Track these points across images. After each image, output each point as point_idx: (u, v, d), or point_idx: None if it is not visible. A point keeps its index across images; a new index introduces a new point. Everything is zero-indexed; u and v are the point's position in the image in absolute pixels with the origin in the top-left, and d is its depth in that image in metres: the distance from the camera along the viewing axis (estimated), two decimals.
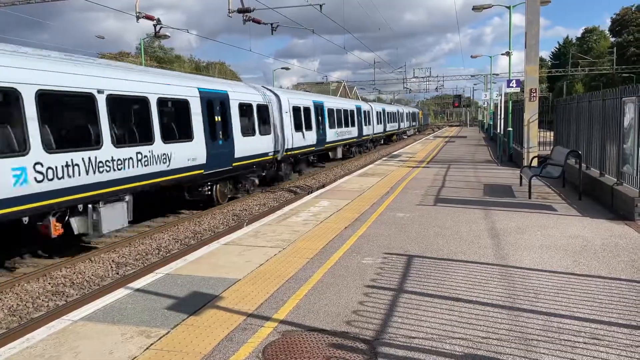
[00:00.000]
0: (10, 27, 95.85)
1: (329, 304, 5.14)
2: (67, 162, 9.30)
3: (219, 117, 15.03)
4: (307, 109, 23.45)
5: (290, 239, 8.03)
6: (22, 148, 8.49)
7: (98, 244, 11.36)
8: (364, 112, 35.92)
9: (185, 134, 13.20)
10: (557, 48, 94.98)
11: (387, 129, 45.45)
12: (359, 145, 34.96)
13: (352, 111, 32.11)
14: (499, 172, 16.95)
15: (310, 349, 4.16)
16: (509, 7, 21.90)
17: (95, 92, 10.21)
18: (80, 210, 9.90)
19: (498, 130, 27.49)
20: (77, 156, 9.56)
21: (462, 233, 8.05)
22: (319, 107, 25.38)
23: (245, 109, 16.84)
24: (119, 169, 10.61)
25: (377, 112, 41.03)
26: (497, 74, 62.12)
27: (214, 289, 5.71)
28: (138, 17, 21.18)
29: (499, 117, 27.61)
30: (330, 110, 27.38)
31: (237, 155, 15.77)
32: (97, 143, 10.13)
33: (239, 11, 20.11)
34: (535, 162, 14.71)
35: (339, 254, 7.03)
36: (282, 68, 52.18)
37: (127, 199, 11.07)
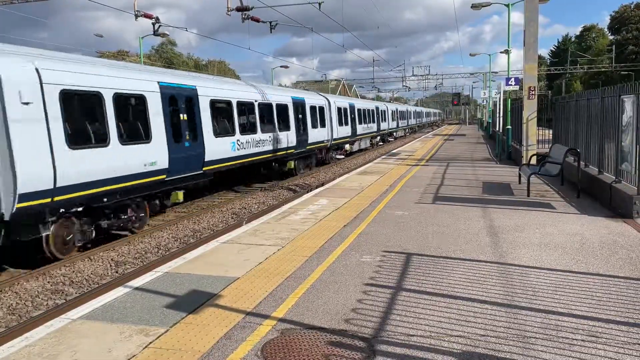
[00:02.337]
0: (8, 26, 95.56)
1: (328, 302, 5.15)
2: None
3: (300, 116, 22.27)
4: (345, 109, 30.28)
5: (289, 237, 8.04)
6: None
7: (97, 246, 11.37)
8: (381, 111, 42.38)
9: (283, 127, 20.09)
10: (556, 46, 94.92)
11: (400, 125, 53.36)
12: (376, 138, 41.78)
13: (373, 110, 39.11)
14: (497, 170, 16.96)
15: (309, 347, 4.17)
16: (507, 5, 21.89)
17: (253, 101, 17.85)
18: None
19: (497, 128, 27.49)
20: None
21: (461, 231, 8.06)
22: (352, 107, 32.22)
23: (314, 110, 24.35)
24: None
25: (391, 111, 47.93)
26: (496, 72, 62.10)
27: (213, 287, 5.71)
28: (137, 16, 21.21)
29: (497, 115, 27.61)
30: (359, 110, 34.25)
31: (309, 141, 23.34)
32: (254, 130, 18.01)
33: (238, 9, 20.10)
34: (534, 160, 14.73)
35: (337, 252, 7.04)
36: (281, 66, 52.14)
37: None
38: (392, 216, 9.39)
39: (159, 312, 5.03)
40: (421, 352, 4.01)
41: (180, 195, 13.18)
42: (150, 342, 4.35)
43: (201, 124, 14.05)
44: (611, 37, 78.06)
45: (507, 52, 23.09)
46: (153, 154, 11.72)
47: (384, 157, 24.67)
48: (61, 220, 9.63)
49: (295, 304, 5.14)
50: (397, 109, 52.34)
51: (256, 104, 17.90)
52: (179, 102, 13.08)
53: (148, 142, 11.71)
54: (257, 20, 21.25)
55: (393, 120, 48.26)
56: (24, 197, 8.51)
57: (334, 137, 27.41)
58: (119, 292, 5.68)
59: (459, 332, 4.36)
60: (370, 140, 38.70)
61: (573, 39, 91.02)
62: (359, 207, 10.46)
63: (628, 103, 8.78)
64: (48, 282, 8.92)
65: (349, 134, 30.85)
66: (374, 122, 38.82)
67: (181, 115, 13.08)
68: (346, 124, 30.13)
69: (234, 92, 16.59)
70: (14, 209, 8.42)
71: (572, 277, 5.74)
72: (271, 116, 19.21)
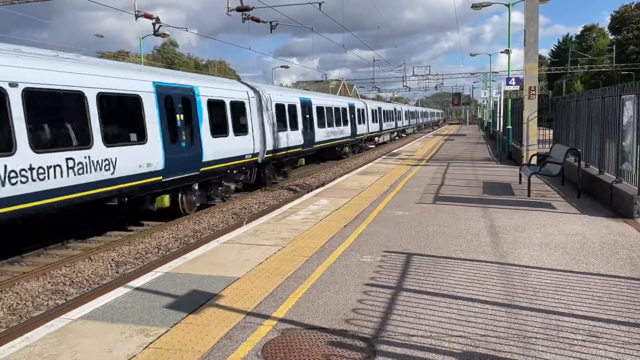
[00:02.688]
0: (9, 26, 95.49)
1: (328, 302, 5.15)
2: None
3: (352, 116, 31.89)
4: (375, 110, 40.31)
5: (290, 237, 8.04)
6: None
7: (98, 241, 11.37)
8: (397, 111, 52.51)
9: (345, 123, 30.05)
10: (556, 46, 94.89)
11: (410, 124, 64.26)
12: (394, 133, 51.79)
13: (392, 111, 49.10)
14: (498, 170, 16.95)
15: (309, 347, 4.17)
16: (508, 5, 21.87)
17: (332, 106, 27.95)
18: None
19: (497, 129, 27.49)
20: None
21: (461, 231, 8.06)
22: (380, 109, 42.43)
23: (359, 111, 34.10)
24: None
25: (405, 111, 58.86)
26: (497, 72, 62.06)
27: (213, 287, 5.71)
28: (137, 16, 21.21)
29: (498, 115, 27.61)
30: (383, 111, 44.29)
31: (357, 134, 33.03)
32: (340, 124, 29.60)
33: (238, 10, 20.09)
34: (534, 160, 14.73)
35: (338, 252, 7.03)
36: (282, 66, 52.15)
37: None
38: (392, 216, 9.39)
39: (160, 312, 5.03)
40: (422, 352, 4.01)
41: (303, 160, 23.79)
42: (151, 342, 4.35)
43: (313, 120, 23.93)
44: (612, 37, 78.02)
45: (507, 52, 23.07)
46: (297, 136, 21.28)
47: (384, 157, 24.66)
48: (269, 166, 18.81)
49: (295, 304, 5.14)
50: (408, 110, 64.35)
51: (333, 108, 27.73)
52: (305, 108, 22.92)
53: (297, 130, 21.49)
54: (257, 20, 21.25)
55: (406, 119, 59.56)
56: (267, 152, 17.88)
57: (369, 131, 37.48)
58: (119, 292, 5.68)
59: (460, 332, 4.36)
60: (390, 135, 48.25)
61: (573, 39, 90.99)
62: (360, 207, 10.46)
63: (628, 103, 8.77)
64: (48, 282, 8.92)
65: (378, 130, 41.14)
66: (393, 120, 49.03)
67: (306, 115, 22.94)
68: (376, 122, 40.00)
69: (323, 100, 26.86)
70: (263, 158, 17.64)
71: (573, 277, 5.74)
72: (339, 116, 28.98)
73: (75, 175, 9.30)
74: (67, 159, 9.14)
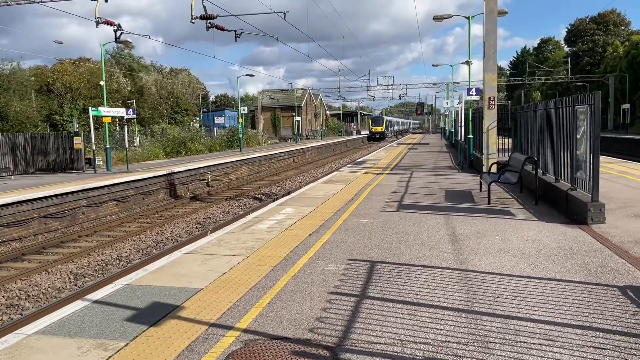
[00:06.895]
0: None
1: (292, 312, 5.14)
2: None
3: (393, 122, 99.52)
4: (389, 120, 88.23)
5: (254, 246, 7.99)
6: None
7: (56, 254, 11.03)
8: (395, 122, 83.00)
9: (393, 126, 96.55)
10: (515, 58, 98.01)
11: (399, 129, 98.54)
12: (401, 133, 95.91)
13: (392, 121, 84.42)
14: (459, 178, 17.30)
15: (273, 357, 4.15)
16: (468, 18, 22.45)
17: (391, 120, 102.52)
18: None
19: (459, 138, 28.08)
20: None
21: (424, 238, 8.18)
22: (392, 120, 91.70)
23: (398, 122, 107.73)
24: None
25: (395, 121, 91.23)
26: (458, 83, 63.70)
27: (175, 299, 5.62)
28: (98, 23, 20.81)
29: (460, 124, 28.22)
30: (391, 121, 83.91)
31: (396, 129, 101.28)
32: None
33: (202, 18, 19.97)
34: (494, 169, 15.09)
35: (303, 261, 7.03)
36: (247, 75, 51.93)
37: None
38: (357, 224, 9.46)
39: (119, 325, 4.92)
40: None
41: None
42: (110, 357, 4.24)
43: (389, 125, 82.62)
44: (567, 49, 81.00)
45: (468, 63, 23.64)
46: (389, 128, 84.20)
47: (349, 165, 24.83)
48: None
49: (259, 314, 5.11)
50: (395, 120, 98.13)
51: (395, 121, 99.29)
52: (387, 120, 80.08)
53: (388, 127, 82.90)
54: (222, 29, 21.18)
55: (396, 126, 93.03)
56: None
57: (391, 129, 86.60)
58: (77, 305, 5.52)
59: (421, 338, 4.42)
60: (395, 136, 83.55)
61: (531, 51, 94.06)
62: (325, 215, 10.50)
63: (582, 113, 9.11)
64: (3, 296, 8.60)
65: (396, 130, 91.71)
66: (397, 126, 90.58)
67: (390, 123, 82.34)
68: (392, 126, 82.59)
69: (391, 118, 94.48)
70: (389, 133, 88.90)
71: (530, 282, 5.90)
72: (399, 126, 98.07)
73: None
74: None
